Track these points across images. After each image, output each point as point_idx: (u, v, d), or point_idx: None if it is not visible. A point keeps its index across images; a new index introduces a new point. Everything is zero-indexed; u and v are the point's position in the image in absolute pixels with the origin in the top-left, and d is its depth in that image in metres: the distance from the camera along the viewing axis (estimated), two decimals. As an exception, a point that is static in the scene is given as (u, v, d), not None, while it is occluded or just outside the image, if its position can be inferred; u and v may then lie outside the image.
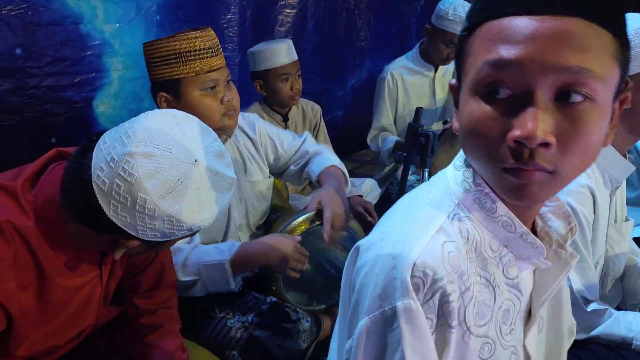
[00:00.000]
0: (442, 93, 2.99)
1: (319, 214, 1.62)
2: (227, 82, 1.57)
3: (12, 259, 0.94)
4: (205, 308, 1.55)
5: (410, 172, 1.74)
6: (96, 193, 0.90)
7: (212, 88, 1.52)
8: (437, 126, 3.00)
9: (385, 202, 2.87)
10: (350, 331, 0.73)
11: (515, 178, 0.63)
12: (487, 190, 0.72)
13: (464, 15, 2.62)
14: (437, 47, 2.76)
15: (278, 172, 1.89)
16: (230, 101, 1.54)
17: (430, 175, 1.57)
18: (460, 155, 0.79)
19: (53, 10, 1.95)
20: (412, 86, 2.90)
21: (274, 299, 1.61)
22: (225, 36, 2.67)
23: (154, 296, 1.30)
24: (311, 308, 1.69)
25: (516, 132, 0.60)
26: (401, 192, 1.63)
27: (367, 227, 2.07)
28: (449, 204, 0.74)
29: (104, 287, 1.15)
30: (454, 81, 0.74)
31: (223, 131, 1.59)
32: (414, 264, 0.67)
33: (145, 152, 0.89)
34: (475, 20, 0.66)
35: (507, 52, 0.61)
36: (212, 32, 1.55)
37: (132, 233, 0.93)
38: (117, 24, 2.14)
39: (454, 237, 0.71)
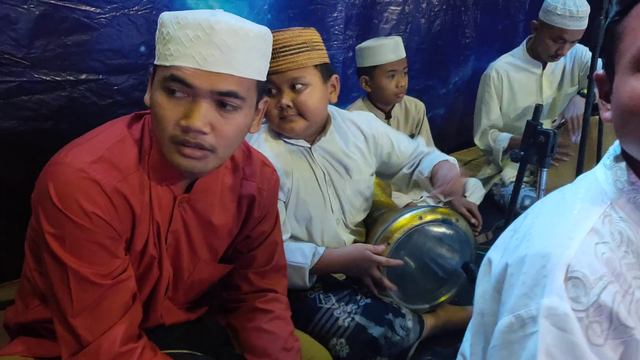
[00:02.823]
0: (549, 90, 2.87)
1: (426, 211, 1.61)
2: (293, 86, 1.53)
3: (115, 214, 1.05)
4: (312, 299, 1.59)
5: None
6: None
7: (271, 91, 1.53)
8: (545, 124, 2.88)
9: (489, 204, 2.80)
10: (490, 327, 0.72)
11: None
12: None
13: (573, 9, 2.50)
14: (545, 43, 2.65)
15: (389, 173, 1.87)
16: (286, 108, 1.52)
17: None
18: (610, 153, 0.76)
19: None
20: (517, 83, 2.82)
21: (369, 293, 1.63)
22: (331, 34, 2.71)
23: (266, 275, 1.34)
24: (414, 307, 1.67)
25: None
26: (516, 192, 1.58)
27: (471, 228, 2.03)
28: (600, 204, 0.71)
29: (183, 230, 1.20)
30: (601, 72, 0.71)
31: (285, 134, 1.61)
32: (569, 265, 0.64)
33: None
34: (629, 1, 0.66)
35: None
36: (281, 35, 1.51)
37: None
38: (232, 23, 2.23)
39: (607, 238, 0.68)
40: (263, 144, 1.61)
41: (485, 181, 2.86)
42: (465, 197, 2.21)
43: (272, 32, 1.48)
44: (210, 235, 1.23)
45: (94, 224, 1.01)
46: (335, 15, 2.70)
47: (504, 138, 2.67)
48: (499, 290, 0.73)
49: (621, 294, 0.64)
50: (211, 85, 0.98)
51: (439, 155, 1.81)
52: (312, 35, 1.55)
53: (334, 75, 1.60)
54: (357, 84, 2.42)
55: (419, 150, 1.84)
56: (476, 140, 2.86)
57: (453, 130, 3.64)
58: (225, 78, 0.99)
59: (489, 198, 2.84)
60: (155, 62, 1.04)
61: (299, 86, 1.52)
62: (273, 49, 1.46)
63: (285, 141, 1.63)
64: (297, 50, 1.50)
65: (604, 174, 0.74)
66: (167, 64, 1.00)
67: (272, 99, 1.53)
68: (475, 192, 2.51)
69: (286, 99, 1.51)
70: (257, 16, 2.32)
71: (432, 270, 1.67)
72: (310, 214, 1.65)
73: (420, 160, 1.82)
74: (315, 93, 1.54)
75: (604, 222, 0.69)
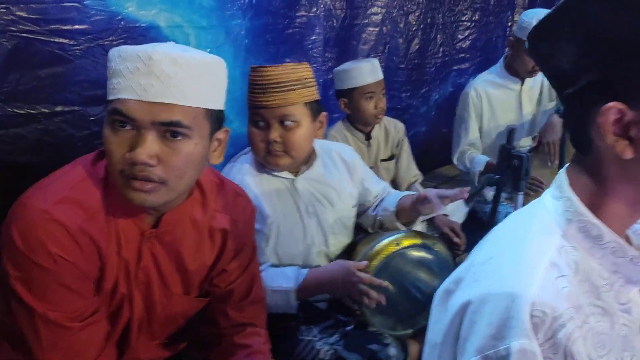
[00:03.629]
0: (529, 107, 2.88)
1: (404, 236, 1.61)
2: (282, 122, 1.53)
3: (81, 255, 1.04)
4: (292, 329, 1.57)
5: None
6: None
7: (258, 123, 1.55)
8: (525, 141, 2.90)
9: (472, 222, 2.79)
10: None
11: None
12: (591, 218, 0.72)
13: None
14: (521, 59, 2.68)
15: (358, 211, 1.89)
16: (272, 143, 1.54)
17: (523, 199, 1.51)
18: (557, 184, 0.78)
19: (149, 39, 2.06)
20: (497, 100, 2.82)
21: (354, 322, 1.61)
22: (310, 56, 2.71)
23: (245, 309, 1.33)
24: (397, 333, 1.66)
25: None
26: (493, 214, 1.59)
27: (454, 248, 2.03)
28: (553, 236, 0.73)
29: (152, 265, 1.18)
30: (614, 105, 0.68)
31: (270, 166, 1.61)
32: (533, 303, 0.66)
33: None
34: None
35: None
36: (275, 70, 1.52)
37: None
38: (208, 49, 2.23)
39: (565, 270, 0.70)
40: (246, 177, 1.61)
41: (467, 199, 2.86)
42: (447, 216, 2.21)
43: (267, 67, 1.53)
44: (182, 269, 1.22)
45: (59, 266, 1.00)
46: (314, 38, 2.72)
47: (481, 161, 2.67)
48: (457, 325, 0.74)
49: (579, 327, 0.67)
50: (152, 116, 0.97)
51: (400, 193, 1.84)
52: (305, 71, 1.58)
53: (323, 113, 1.63)
54: (337, 106, 2.43)
55: (385, 191, 1.88)
56: (454, 160, 2.86)
57: (436, 147, 3.66)
58: (167, 108, 0.98)
59: (472, 215, 2.84)
60: (107, 98, 1.04)
61: (288, 123, 1.53)
62: (265, 84, 1.50)
63: (268, 173, 1.64)
64: (289, 88, 1.52)
65: (553, 205, 0.77)
66: (112, 97, 1.00)
67: (259, 131, 1.55)
68: (457, 210, 2.51)
69: (274, 135, 1.53)
70: (234, 41, 2.32)
71: (413, 295, 1.66)
72: (291, 250, 1.65)
73: (381, 200, 1.85)
74: (303, 131, 1.56)
75: (560, 253, 0.71)
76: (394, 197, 1.80)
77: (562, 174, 0.78)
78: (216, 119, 1.09)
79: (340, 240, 1.77)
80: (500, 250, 0.76)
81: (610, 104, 0.66)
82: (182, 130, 1.00)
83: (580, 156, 0.76)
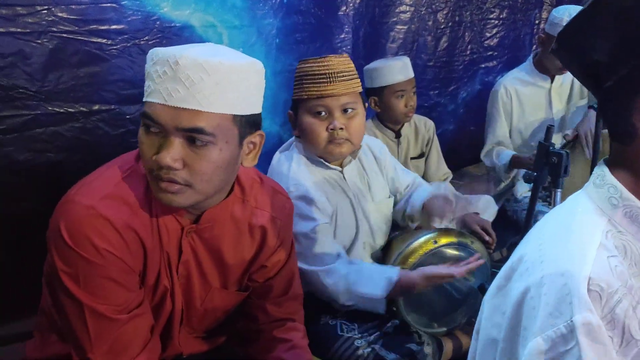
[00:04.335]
0: (559, 104, 2.85)
1: (441, 234, 1.61)
2: (345, 110, 1.57)
3: (127, 249, 1.06)
4: (333, 327, 1.58)
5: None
6: None
7: (321, 114, 1.57)
8: (556, 139, 2.86)
9: (502, 220, 2.77)
10: (512, 356, 0.72)
11: None
12: (637, 202, 0.73)
13: None
14: (552, 56, 2.63)
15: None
16: (336, 130, 1.56)
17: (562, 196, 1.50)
18: (599, 174, 0.79)
19: (184, 38, 2.09)
20: (526, 98, 2.79)
21: (397, 321, 1.60)
22: (339, 55, 2.72)
23: (283, 305, 1.35)
24: (432, 330, 1.66)
25: None
26: (530, 213, 1.57)
27: (485, 246, 2.01)
28: (600, 221, 0.75)
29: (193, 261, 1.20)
30: None
31: (331, 156, 1.63)
32: (589, 278, 0.66)
33: None
34: None
35: None
36: (336, 59, 1.57)
37: None
38: (240, 48, 2.25)
39: (614, 252, 0.71)
40: (299, 176, 1.63)
41: (496, 197, 2.85)
42: (478, 214, 2.20)
43: (329, 57, 1.57)
44: (221, 264, 1.24)
45: (106, 260, 1.03)
46: (343, 36, 2.72)
47: (506, 155, 2.65)
48: (518, 316, 0.73)
49: (633, 306, 0.68)
50: (175, 121, 0.98)
51: (429, 187, 1.86)
52: (352, 63, 1.63)
53: (366, 103, 1.67)
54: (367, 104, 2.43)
55: (415, 184, 1.90)
56: (482, 157, 2.85)
57: (464, 145, 3.63)
58: (190, 114, 0.97)
59: (501, 214, 2.81)
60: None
61: (350, 111, 1.58)
62: (330, 73, 1.52)
63: (320, 165, 1.67)
64: (351, 76, 1.58)
65: (596, 193, 0.78)
66: (145, 99, 1.02)
67: (321, 121, 1.57)
68: (488, 209, 2.49)
69: (339, 122, 1.56)
70: (266, 40, 2.34)
71: (449, 293, 1.66)
72: (343, 241, 1.67)
73: (410, 195, 1.86)
74: (361, 119, 1.62)
75: (608, 237, 0.73)
76: (421, 193, 1.82)
77: (602, 164, 0.80)
78: (246, 123, 1.07)
79: (383, 231, 1.80)
80: (548, 237, 0.78)
81: None
82: (205, 138, 0.99)
83: (619, 148, 0.77)
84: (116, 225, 1.03)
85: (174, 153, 0.98)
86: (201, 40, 2.15)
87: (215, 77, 0.97)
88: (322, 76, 1.54)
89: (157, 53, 1.00)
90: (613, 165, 0.78)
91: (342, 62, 1.57)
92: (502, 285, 0.80)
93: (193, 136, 0.99)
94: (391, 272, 1.56)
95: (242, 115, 1.05)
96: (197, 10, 2.09)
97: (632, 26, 0.68)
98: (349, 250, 1.69)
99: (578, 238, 0.73)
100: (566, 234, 0.75)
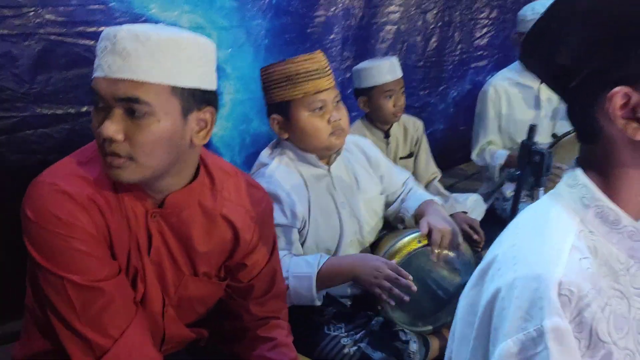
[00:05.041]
0: (549, 104, 2.85)
1: (427, 235, 1.62)
2: (336, 102, 1.62)
3: (91, 221, 1.07)
4: (319, 324, 1.59)
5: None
6: None
7: (320, 109, 1.59)
8: (545, 138, 2.87)
9: (491, 219, 2.78)
10: (484, 356, 0.73)
11: None
12: (607, 203, 0.74)
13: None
14: None
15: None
16: (337, 121, 1.60)
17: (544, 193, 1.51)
18: (572, 174, 0.80)
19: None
20: (516, 98, 2.80)
21: (382, 319, 1.62)
22: (329, 56, 2.73)
23: (266, 304, 1.35)
24: (417, 329, 1.68)
25: None
26: (514, 211, 1.59)
27: (473, 245, 2.03)
28: (572, 222, 0.76)
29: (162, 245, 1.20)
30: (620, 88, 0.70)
31: (330, 150, 1.65)
32: (560, 282, 0.68)
33: None
34: None
35: None
36: (321, 54, 1.62)
37: None
38: (229, 49, 2.27)
39: (586, 253, 0.72)
40: (276, 174, 1.64)
41: (486, 196, 2.86)
42: (466, 213, 2.22)
43: (316, 53, 1.61)
44: (191, 251, 1.23)
45: (71, 231, 1.04)
46: (332, 37, 2.74)
47: (501, 155, 2.67)
48: (489, 316, 0.74)
49: (601, 307, 0.69)
50: (113, 92, 0.99)
51: (422, 195, 1.87)
52: None
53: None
54: (356, 105, 2.45)
55: (408, 183, 1.91)
56: (473, 157, 2.86)
57: (454, 144, 3.66)
58: (125, 84, 0.98)
59: (490, 212, 2.83)
60: None
61: (339, 102, 1.64)
62: (320, 68, 1.56)
63: (309, 163, 1.68)
64: (330, 71, 1.63)
65: (569, 193, 0.79)
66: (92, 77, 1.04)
67: (320, 116, 1.60)
68: (476, 208, 2.50)
69: (337, 113, 1.61)
70: (255, 41, 2.35)
71: (434, 292, 1.67)
72: (326, 239, 1.69)
73: (405, 197, 1.88)
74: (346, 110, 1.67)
75: (580, 238, 0.74)
76: (414, 200, 1.84)
77: (574, 164, 0.81)
78: (190, 97, 1.05)
79: (372, 227, 1.81)
80: (521, 238, 0.78)
81: (616, 88, 0.69)
82: (142, 108, 0.99)
83: (588, 148, 0.79)
84: (78, 199, 1.04)
85: (114, 124, 0.99)
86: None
87: (150, 48, 0.98)
88: (315, 72, 1.57)
89: (104, 31, 1.02)
90: (584, 165, 0.79)
91: (324, 57, 1.62)
92: (475, 285, 0.81)
93: (131, 107, 0.99)
94: (326, 256, 1.60)
95: (183, 88, 1.03)
96: (186, 12, 2.10)
97: (589, 29, 0.70)
98: (336, 249, 1.70)
99: (551, 239, 0.74)
100: (539, 234, 0.76)
